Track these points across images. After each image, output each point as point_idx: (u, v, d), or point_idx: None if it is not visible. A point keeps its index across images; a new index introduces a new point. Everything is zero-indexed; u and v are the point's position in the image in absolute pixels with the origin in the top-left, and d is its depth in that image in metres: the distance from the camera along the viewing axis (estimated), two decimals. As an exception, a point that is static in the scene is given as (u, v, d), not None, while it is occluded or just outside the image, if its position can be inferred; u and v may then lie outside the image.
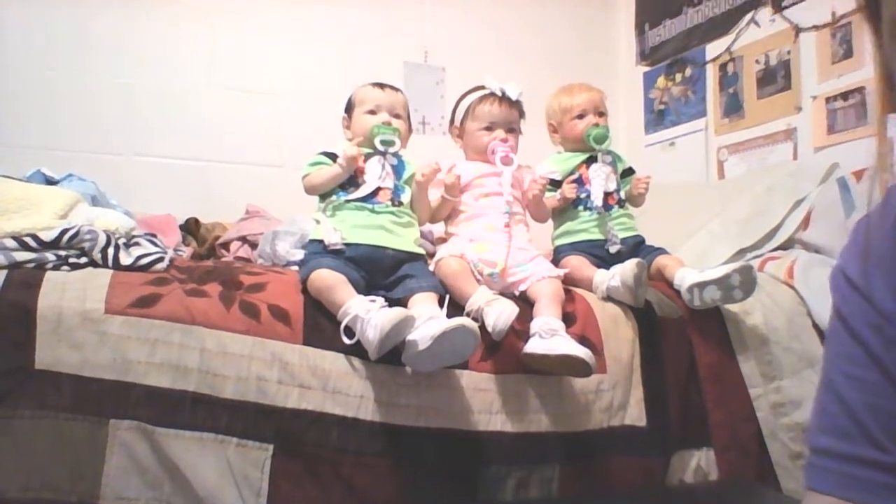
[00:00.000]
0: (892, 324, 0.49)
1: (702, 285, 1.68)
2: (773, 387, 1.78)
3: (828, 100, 2.44)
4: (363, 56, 2.93)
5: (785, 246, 2.26)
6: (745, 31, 2.79)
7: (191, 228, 2.51)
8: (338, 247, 1.48)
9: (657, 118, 3.26)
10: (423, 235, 2.05)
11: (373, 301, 1.38)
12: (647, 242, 1.98)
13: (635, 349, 1.67)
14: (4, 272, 1.26)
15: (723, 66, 2.91)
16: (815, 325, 1.92)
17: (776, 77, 2.66)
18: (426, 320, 1.37)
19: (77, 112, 2.54)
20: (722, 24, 2.91)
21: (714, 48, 2.94)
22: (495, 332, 1.44)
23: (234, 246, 2.35)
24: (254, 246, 2.28)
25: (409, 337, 1.35)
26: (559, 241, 1.93)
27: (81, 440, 1.20)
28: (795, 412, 1.79)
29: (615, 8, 3.47)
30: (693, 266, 2.29)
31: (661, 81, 3.23)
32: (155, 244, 1.46)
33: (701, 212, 2.57)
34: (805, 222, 2.23)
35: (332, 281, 1.39)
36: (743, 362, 1.77)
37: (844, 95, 2.38)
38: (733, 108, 2.85)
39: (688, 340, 1.73)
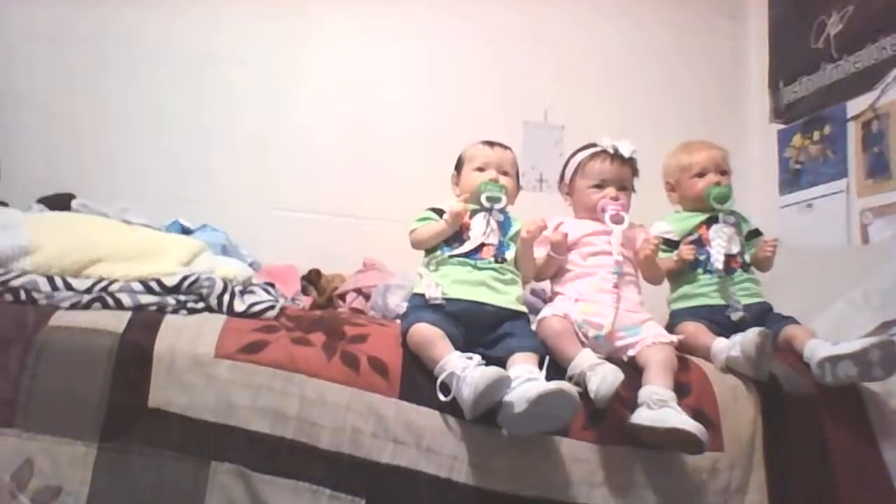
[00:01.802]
0: None
1: (835, 359, 1.52)
2: (924, 480, 1.57)
3: None
4: (484, 114, 2.98)
5: (939, 321, 2.02)
6: (892, 86, 2.59)
7: (313, 279, 2.61)
8: (438, 301, 1.47)
9: (793, 178, 3.06)
10: (536, 294, 2.02)
11: (470, 358, 1.35)
12: (776, 311, 1.83)
13: (757, 427, 1.53)
14: (129, 313, 1.35)
15: (866, 124, 2.70)
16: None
17: (929, 135, 2.43)
18: (523, 381, 1.33)
19: (213, 166, 2.74)
20: (865, 80, 2.71)
21: (856, 105, 2.74)
22: (598, 399, 1.37)
23: (349, 297, 2.41)
24: (368, 298, 2.34)
25: (506, 398, 1.31)
26: (675, 306, 1.83)
27: (184, 479, 1.25)
28: (953, 512, 1.56)
29: (747, 64, 3.33)
30: (827, 339, 2.11)
31: (797, 140, 3.05)
32: (268, 293, 1.52)
33: (840, 279, 2.36)
34: (963, 295, 1.99)
35: (430, 336, 1.39)
36: (887, 450, 1.57)
37: None
38: (878, 168, 2.62)
39: (818, 421, 1.57)
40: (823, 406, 1.57)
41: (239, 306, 1.41)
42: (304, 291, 2.54)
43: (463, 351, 1.40)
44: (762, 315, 1.76)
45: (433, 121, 2.95)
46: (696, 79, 3.26)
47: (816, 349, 1.58)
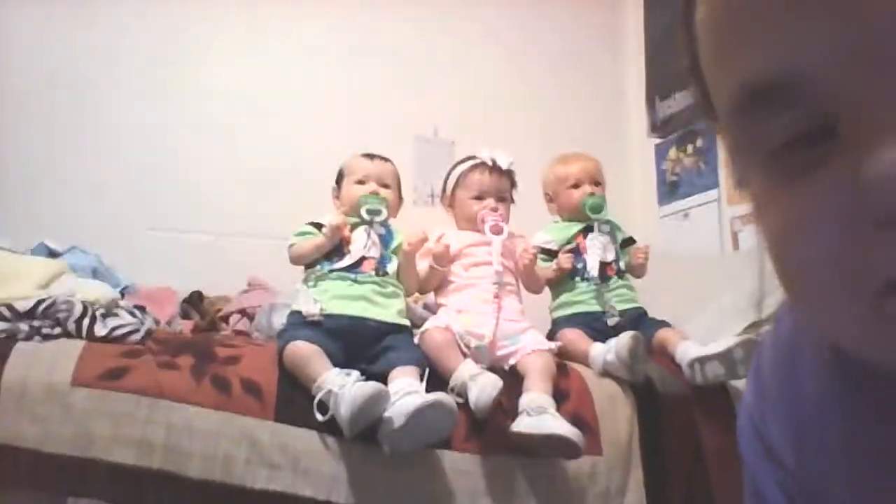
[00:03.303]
0: (794, 478, 0.41)
1: (703, 360, 1.60)
2: (787, 471, 1.66)
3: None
4: (373, 131, 2.97)
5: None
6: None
7: (194, 302, 2.51)
8: (316, 318, 1.44)
9: (670, 190, 3.21)
10: (428, 308, 2.01)
11: (348, 374, 1.33)
12: (652, 316, 1.90)
13: (634, 428, 1.58)
14: (-26, 343, 1.25)
15: (733, 137, 2.87)
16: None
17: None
18: (403, 396, 1.31)
19: (87, 185, 2.59)
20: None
21: (724, 119, 2.92)
22: (478, 410, 1.37)
23: (233, 319, 2.33)
24: (253, 319, 2.27)
25: (385, 414, 1.29)
26: (556, 314, 1.87)
27: (37, 519, 1.15)
28: (812, 499, 1.66)
29: (625, 81, 3.49)
30: (701, 342, 2.22)
31: (672, 153, 3.21)
32: (134, 315, 1.44)
33: (714, 284, 2.49)
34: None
35: (306, 354, 1.35)
36: (752, 443, 1.66)
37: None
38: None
39: (691, 419, 1.64)
40: (696, 405, 1.64)
41: (100, 330, 1.33)
42: (186, 315, 2.43)
43: (343, 368, 1.37)
44: (637, 320, 1.82)
45: (321, 136, 2.91)
46: (580, 95, 3.38)
47: (687, 351, 1.65)
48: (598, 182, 1.90)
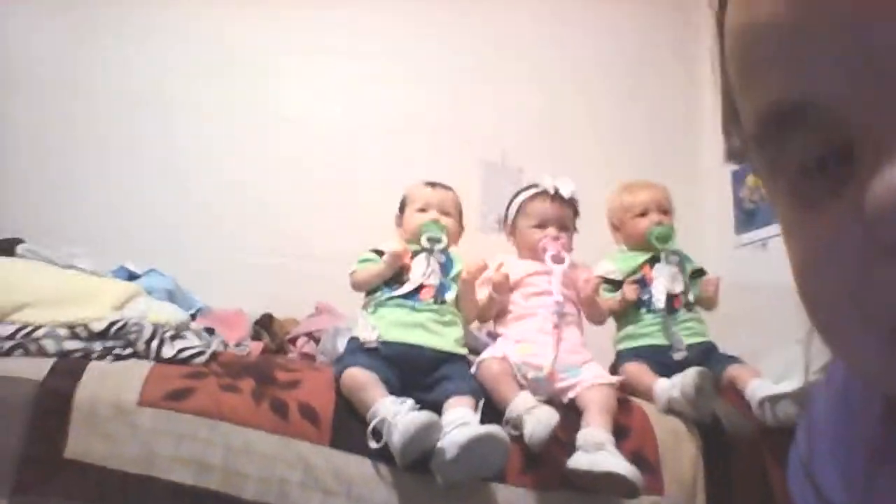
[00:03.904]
0: None
1: (774, 399, 1.52)
2: (868, 520, 1.55)
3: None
4: (441, 155, 3.00)
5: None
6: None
7: (266, 324, 2.58)
8: (373, 345, 1.45)
9: (748, 218, 3.10)
10: (490, 335, 2.00)
11: (402, 403, 1.33)
12: (724, 351, 1.83)
13: (699, 469, 1.51)
14: (52, 360, 1.32)
15: (816, 163, 2.75)
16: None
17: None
18: (457, 426, 1.30)
19: (167, 208, 2.71)
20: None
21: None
22: (532, 443, 1.35)
23: (300, 342, 2.38)
24: (318, 342, 2.31)
25: (439, 444, 1.29)
26: (621, 346, 1.82)
27: (103, 533, 1.20)
28: (897, 553, 1.54)
29: (700, 104, 3.40)
30: (778, 379, 2.11)
31: (750, 180, 3.10)
32: (201, 338, 1.49)
33: (794, 318, 2.37)
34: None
35: (362, 380, 1.36)
36: (829, 490, 1.56)
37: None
38: (828, 206, 2.66)
39: (761, 461, 1.56)
40: (766, 446, 1.56)
41: (167, 352, 1.38)
42: (257, 336, 2.50)
43: (398, 395, 1.38)
44: (705, 355, 1.75)
45: (389, 161, 2.96)
46: (653, 118, 3.32)
47: (758, 389, 1.58)
48: (665, 210, 1.85)
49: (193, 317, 1.90)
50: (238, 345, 2.02)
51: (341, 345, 1.98)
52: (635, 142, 3.25)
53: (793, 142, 0.28)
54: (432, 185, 1.71)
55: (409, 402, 1.33)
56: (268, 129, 2.86)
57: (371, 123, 2.99)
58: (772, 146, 0.30)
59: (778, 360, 2.21)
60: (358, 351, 1.45)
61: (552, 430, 1.35)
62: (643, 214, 1.84)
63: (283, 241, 2.82)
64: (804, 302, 0.31)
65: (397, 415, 1.30)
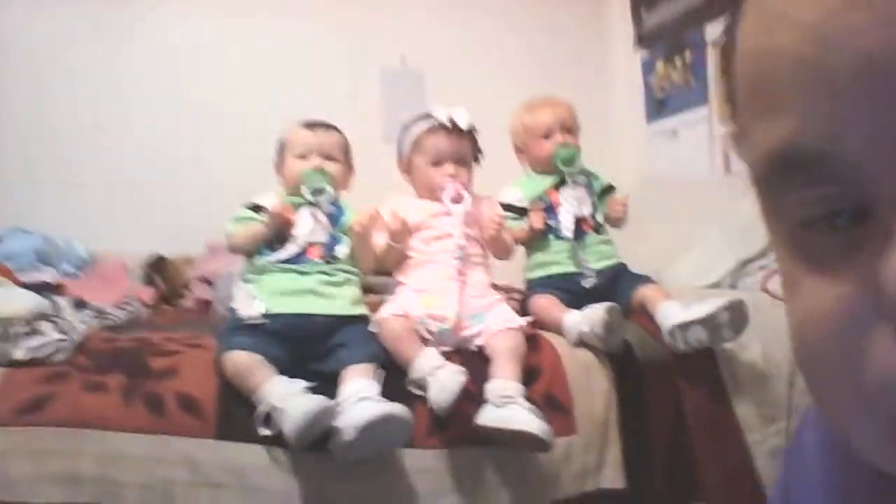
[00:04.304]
0: None
1: (685, 326, 1.48)
2: (774, 429, 1.58)
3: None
4: (339, 65, 2.77)
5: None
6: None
7: (158, 267, 2.39)
8: (256, 320, 1.31)
9: (658, 106, 3.01)
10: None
11: (292, 384, 1.22)
12: (639, 246, 1.78)
13: (611, 402, 1.49)
14: None
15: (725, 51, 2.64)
16: (825, 354, 1.71)
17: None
18: (355, 402, 1.21)
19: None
20: (722, 2, 2.64)
21: (714, 29, 2.67)
22: (438, 409, 1.27)
23: (195, 287, 2.22)
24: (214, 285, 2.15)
25: (336, 423, 1.19)
26: (530, 275, 1.74)
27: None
28: (801, 458, 1.59)
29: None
30: (692, 281, 2.10)
31: (660, 67, 2.98)
32: (60, 327, 1.31)
33: (704, 212, 2.35)
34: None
35: (245, 364, 1.24)
36: (738, 405, 1.57)
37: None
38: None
39: (674, 386, 1.54)
40: (677, 370, 1.54)
41: (18, 354, 1.21)
42: (150, 281, 2.32)
43: (291, 371, 1.26)
44: (616, 278, 1.70)
45: (281, 79, 2.70)
46: (561, 8, 3.12)
47: (668, 314, 1.53)
48: (570, 129, 1.72)
49: (61, 286, 1.71)
50: (123, 306, 1.84)
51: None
52: (544, 29, 3.07)
53: (802, 190, 0.25)
54: (311, 126, 1.52)
55: (300, 384, 1.23)
56: (155, 59, 2.59)
57: (259, 40, 2.70)
58: (778, 187, 0.26)
59: (689, 261, 2.20)
60: (238, 329, 1.31)
61: (457, 394, 1.27)
62: (547, 136, 1.71)
63: (176, 175, 2.59)
64: (799, 366, 0.28)
65: (287, 398, 1.19)
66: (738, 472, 1.54)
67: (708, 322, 1.47)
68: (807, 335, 0.27)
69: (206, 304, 2.10)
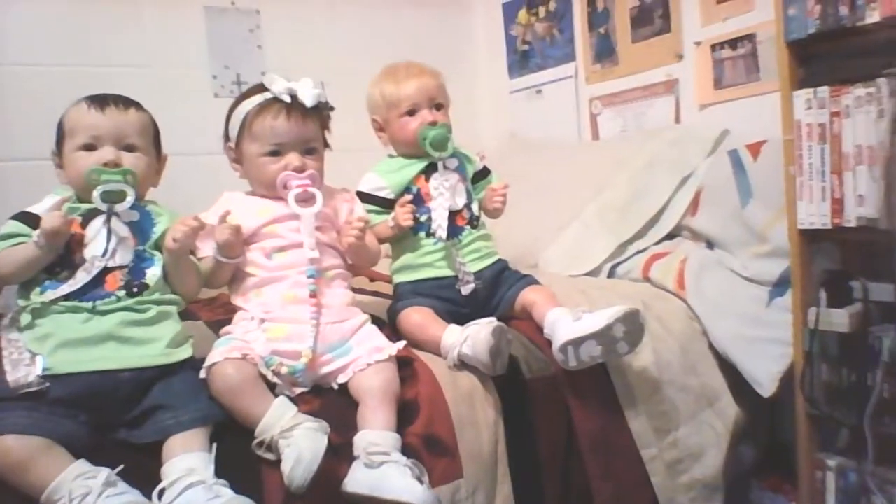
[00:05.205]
0: None
1: (577, 342, 1.29)
2: (669, 441, 1.47)
3: (713, 47, 2.05)
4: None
5: (673, 234, 1.92)
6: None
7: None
8: (33, 387, 0.95)
9: (521, 60, 2.79)
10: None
11: (92, 478, 0.89)
12: (515, 245, 1.60)
13: (499, 434, 1.28)
14: None
15: (591, 0, 2.45)
16: (712, 348, 1.61)
17: (653, 16, 2.23)
18: (181, 491, 0.90)
19: None
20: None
21: (582, -25, 2.47)
22: (296, 489, 0.99)
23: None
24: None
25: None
26: (398, 278, 1.48)
27: None
28: (694, 467, 1.49)
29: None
30: (568, 269, 1.93)
31: (522, 16, 2.75)
32: None
33: (573, 184, 2.18)
34: (694, 205, 1.88)
35: (21, 455, 0.88)
36: (632, 419, 1.43)
37: (732, 43, 2.00)
38: (605, 52, 2.42)
39: (563, 404, 1.36)
40: (567, 385, 1.37)
41: None
42: None
43: (92, 443, 0.93)
44: (496, 278, 1.48)
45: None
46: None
47: (557, 326, 1.34)
48: (439, 104, 1.44)
49: None
50: None
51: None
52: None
53: None
54: (101, 103, 1.11)
55: (103, 474, 0.89)
56: None
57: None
58: None
59: (563, 246, 2.03)
60: (6, 403, 0.94)
61: (318, 466, 0.99)
62: (412, 112, 1.42)
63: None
64: None
65: (86, 497, 0.86)
66: (634, 491, 1.42)
67: (602, 336, 1.29)
68: None
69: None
